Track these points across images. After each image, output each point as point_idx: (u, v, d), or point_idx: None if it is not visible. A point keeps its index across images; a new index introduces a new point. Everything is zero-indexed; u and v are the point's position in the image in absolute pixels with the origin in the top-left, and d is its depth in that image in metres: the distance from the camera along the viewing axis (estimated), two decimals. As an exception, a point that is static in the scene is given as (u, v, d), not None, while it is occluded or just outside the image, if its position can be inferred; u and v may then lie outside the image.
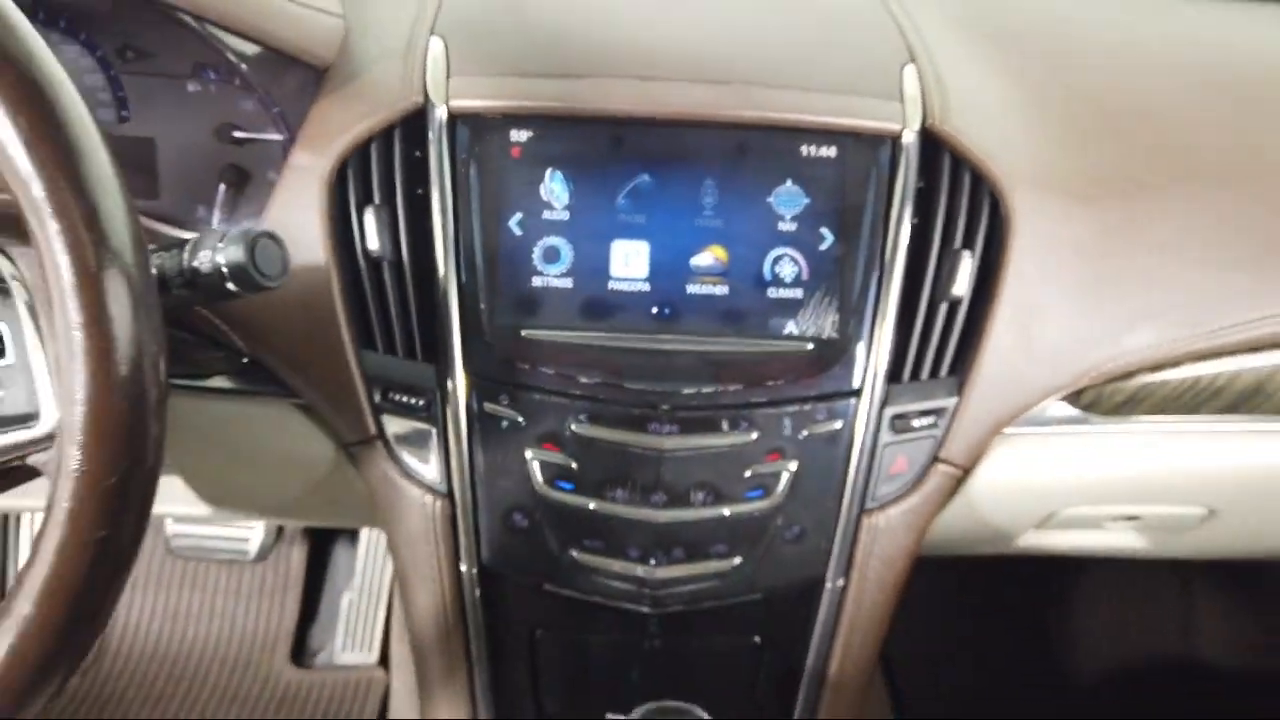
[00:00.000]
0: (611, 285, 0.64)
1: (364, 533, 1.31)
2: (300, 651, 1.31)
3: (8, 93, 0.39)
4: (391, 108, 0.63)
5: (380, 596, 1.30)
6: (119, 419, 0.40)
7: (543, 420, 0.63)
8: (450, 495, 0.64)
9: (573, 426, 0.63)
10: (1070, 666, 1.27)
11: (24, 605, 0.41)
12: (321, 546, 1.35)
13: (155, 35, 0.69)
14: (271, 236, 0.51)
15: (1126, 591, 1.28)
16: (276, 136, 0.70)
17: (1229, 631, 1.25)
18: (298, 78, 0.68)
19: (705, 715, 0.62)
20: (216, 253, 0.49)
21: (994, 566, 1.20)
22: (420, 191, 0.63)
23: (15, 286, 0.42)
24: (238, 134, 0.70)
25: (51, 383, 0.41)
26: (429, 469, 0.64)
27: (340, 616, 1.31)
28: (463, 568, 0.66)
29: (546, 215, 0.64)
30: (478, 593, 0.66)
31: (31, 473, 0.45)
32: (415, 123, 0.63)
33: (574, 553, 0.64)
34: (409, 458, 0.64)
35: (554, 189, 0.64)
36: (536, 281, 0.64)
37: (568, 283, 0.64)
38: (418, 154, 0.64)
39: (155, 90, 0.70)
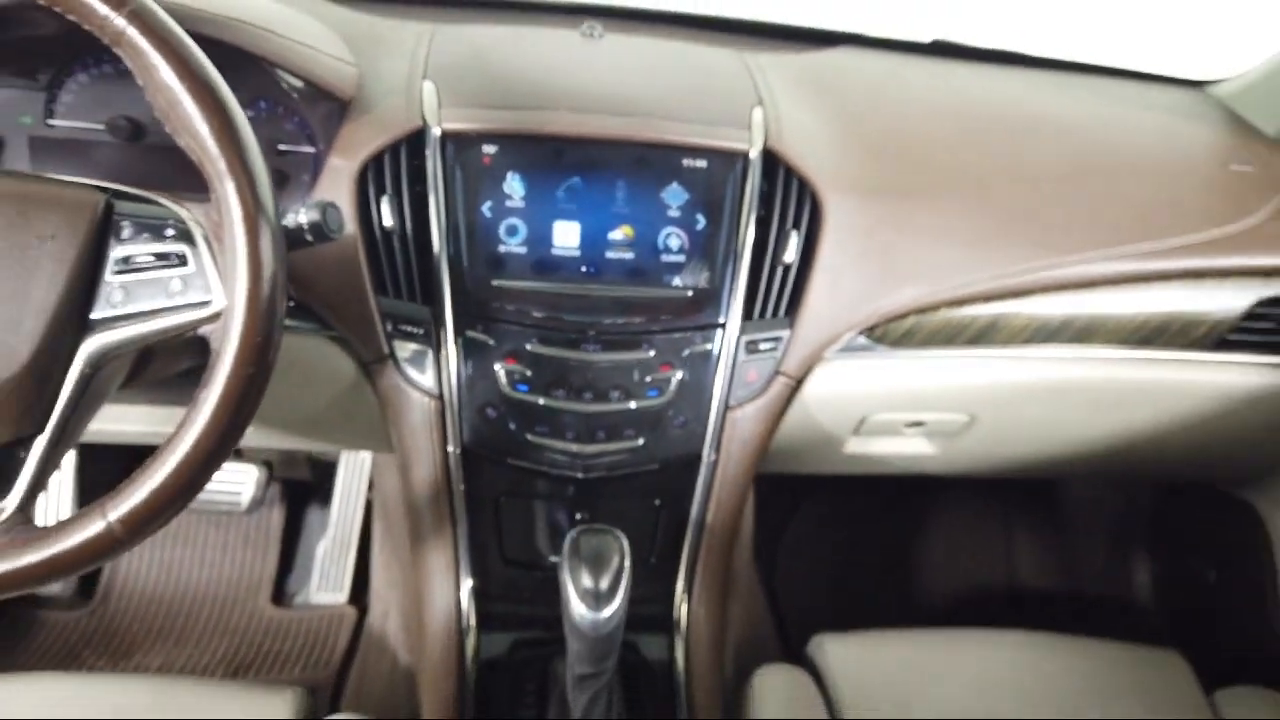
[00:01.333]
0: (553, 251, 0.92)
1: (336, 490, 1.55)
2: (280, 594, 1.53)
3: (205, 105, 0.65)
4: (399, 129, 0.91)
5: (350, 545, 1.53)
6: (263, 302, 0.66)
7: (507, 342, 0.91)
8: (441, 397, 0.91)
9: (528, 346, 0.91)
10: (916, 583, 1.59)
11: (205, 411, 0.66)
12: (297, 504, 1.58)
13: (229, 75, 0.95)
14: (334, 205, 0.78)
15: (958, 520, 1.61)
16: (310, 149, 0.98)
17: (1036, 549, 1.59)
18: (327, 108, 0.96)
19: (621, 534, 0.87)
20: (299, 214, 0.76)
21: (857, 503, 1.52)
22: (419, 187, 0.91)
23: (194, 227, 0.68)
24: (281, 147, 0.97)
25: (219, 282, 0.66)
26: (426, 378, 0.91)
27: (315, 563, 1.54)
28: (450, 449, 0.92)
29: (508, 204, 0.92)
30: (461, 469, 0.93)
31: (201, 345, 0.70)
32: (415, 140, 0.91)
33: (528, 435, 0.92)
34: (411, 371, 0.91)
35: (513, 186, 0.92)
36: (501, 249, 0.92)
37: (524, 250, 0.92)
38: (416, 161, 0.91)
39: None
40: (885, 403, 1.03)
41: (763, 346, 0.94)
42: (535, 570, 0.96)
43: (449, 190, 0.90)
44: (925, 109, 1.07)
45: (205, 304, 0.67)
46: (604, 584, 0.78)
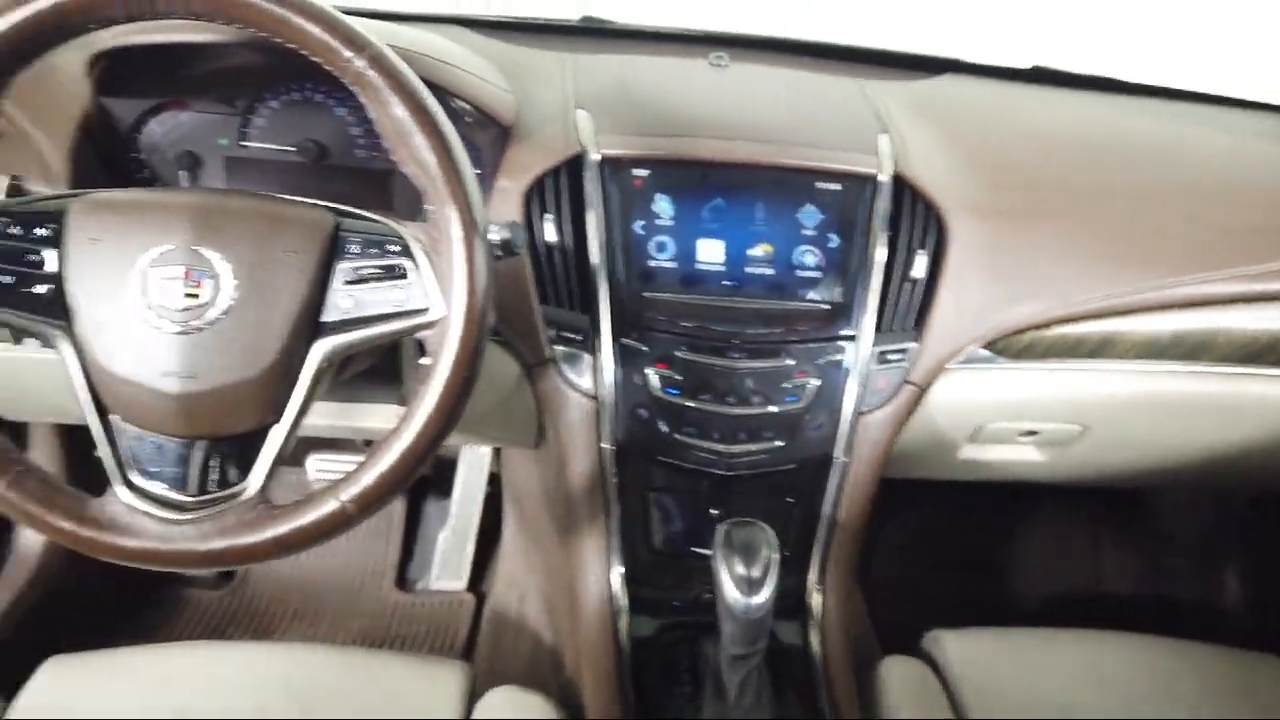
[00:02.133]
0: (699, 266, 1.00)
1: (457, 483, 1.64)
2: (402, 580, 1.63)
3: (432, 138, 0.74)
4: (560, 154, 1.00)
5: (469, 535, 1.63)
6: (477, 312, 0.75)
7: (658, 349, 0.99)
8: (597, 398, 1.00)
9: (677, 353, 0.99)
10: (1004, 587, 1.64)
11: (426, 407, 0.75)
12: (418, 496, 1.69)
13: None
14: (519, 224, 0.86)
15: (1047, 527, 1.66)
16: (476, 171, 1.07)
17: (1125, 557, 1.63)
18: (492, 133, 1.05)
19: (768, 528, 0.94)
20: (493, 233, 0.85)
21: (952, 510, 1.57)
22: (577, 206, 1.00)
23: (413, 243, 0.77)
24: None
25: (438, 292, 0.75)
26: (584, 381, 1.00)
27: (436, 551, 1.64)
28: (604, 445, 1.01)
29: (658, 222, 1.00)
30: (614, 464, 1.01)
31: (390, 349, 0.79)
32: (574, 164, 1.00)
33: (677, 435, 1.00)
34: (570, 373, 1.00)
35: (663, 206, 1.01)
36: (651, 263, 1.00)
37: (672, 264, 1.00)
38: (574, 183, 1.00)
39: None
40: (1002, 412, 1.09)
41: (891, 357, 1.01)
42: (680, 558, 1.04)
43: (605, 210, 0.99)
44: (1033, 133, 1.14)
45: (424, 312, 0.76)
46: (755, 572, 0.86)
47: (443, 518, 1.66)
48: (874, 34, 1.67)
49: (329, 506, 0.75)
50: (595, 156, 0.99)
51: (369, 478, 0.75)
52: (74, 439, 1.37)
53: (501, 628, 1.40)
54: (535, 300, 0.99)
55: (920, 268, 1.01)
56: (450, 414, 0.75)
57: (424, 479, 1.69)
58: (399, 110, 0.73)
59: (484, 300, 0.75)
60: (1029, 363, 1.05)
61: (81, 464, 1.39)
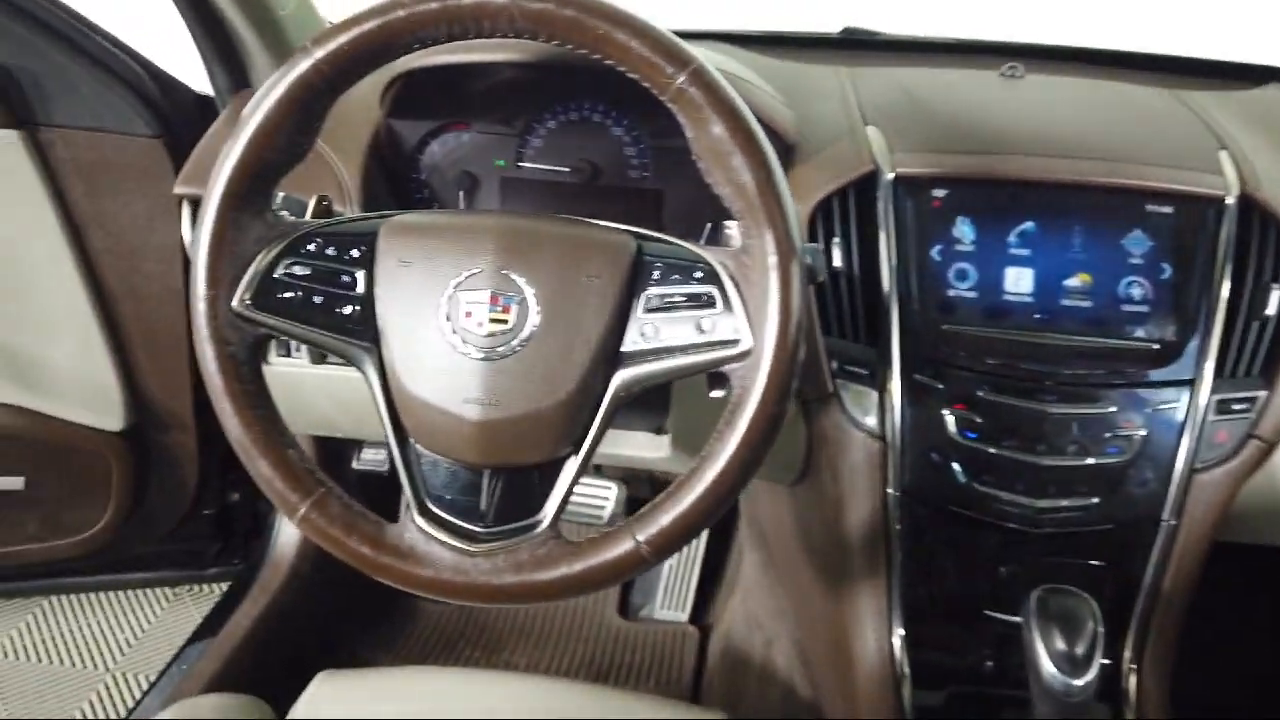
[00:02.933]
0: (1005, 297, 0.90)
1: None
2: (625, 606, 1.60)
3: (752, 159, 0.68)
4: (849, 173, 0.92)
5: (695, 566, 1.58)
6: (790, 345, 0.69)
7: (956, 387, 0.89)
8: (884, 438, 0.91)
9: (979, 393, 0.89)
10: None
11: (730, 445, 0.69)
12: None
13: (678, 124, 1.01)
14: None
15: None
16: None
17: None
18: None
19: (1090, 598, 0.83)
20: None
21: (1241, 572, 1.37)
22: (867, 229, 0.92)
23: (720, 270, 0.72)
24: (721, 189, 1.01)
25: (746, 322, 0.70)
26: (869, 419, 0.92)
27: (660, 581, 1.60)
28: (889, 491, 0.92)
29: (958, 248, 0.91)
30: (899, 511, 0.93)
31: (721, 378, 0.75)
32: (865, 184, 0.92)
33: (975, 485, 0.89)
34: (854, 410, 0.92)
35: (963, 230, 0.91)
36: (951, 293, 0.91)
37: (974, 294, 0.91)
38: (863, 205, 0.92)
39: (670, 158, 1.02)
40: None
41: (1236, 407, 0.87)
42: (971, 623, 0.94)
43: (899, 233, 0.91)
44: None
45: (732, 344, 0.70)
46: (1079, 648, 0.75)
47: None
48: (1159, 40, 1.50)
49: (624, 546, 0.71)
50: (889, 175, 0.91)
51: (668, 518, 0.70)
52: (327, 450, 1.41)
53: (742, 670, 1.33)
54: (818, 329, 0.92)
55: (1273, 304, 0.86)
56: (756, 453, 0.69)
57: (641, 503, 1.65)
58: (718, 129, 0.68)
59: (797, 333, 0.69)
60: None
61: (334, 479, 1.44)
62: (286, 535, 1.47)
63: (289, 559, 1.45)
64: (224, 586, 1.65)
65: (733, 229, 0.78)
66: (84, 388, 1.31)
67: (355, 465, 1.38)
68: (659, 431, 1.09)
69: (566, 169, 1.03)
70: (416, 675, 0.95)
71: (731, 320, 0.70)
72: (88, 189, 1.24)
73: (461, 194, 1.04)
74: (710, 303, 0.71)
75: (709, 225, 1.01)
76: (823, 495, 0.98)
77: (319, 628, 1.48)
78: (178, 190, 0.99)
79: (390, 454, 0.76)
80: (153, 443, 1.39)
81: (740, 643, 1.39)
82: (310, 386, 1.06)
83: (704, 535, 1.58)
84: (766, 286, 0.69)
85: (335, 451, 1.41)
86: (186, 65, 1.31)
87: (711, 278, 0.71)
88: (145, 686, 1.51)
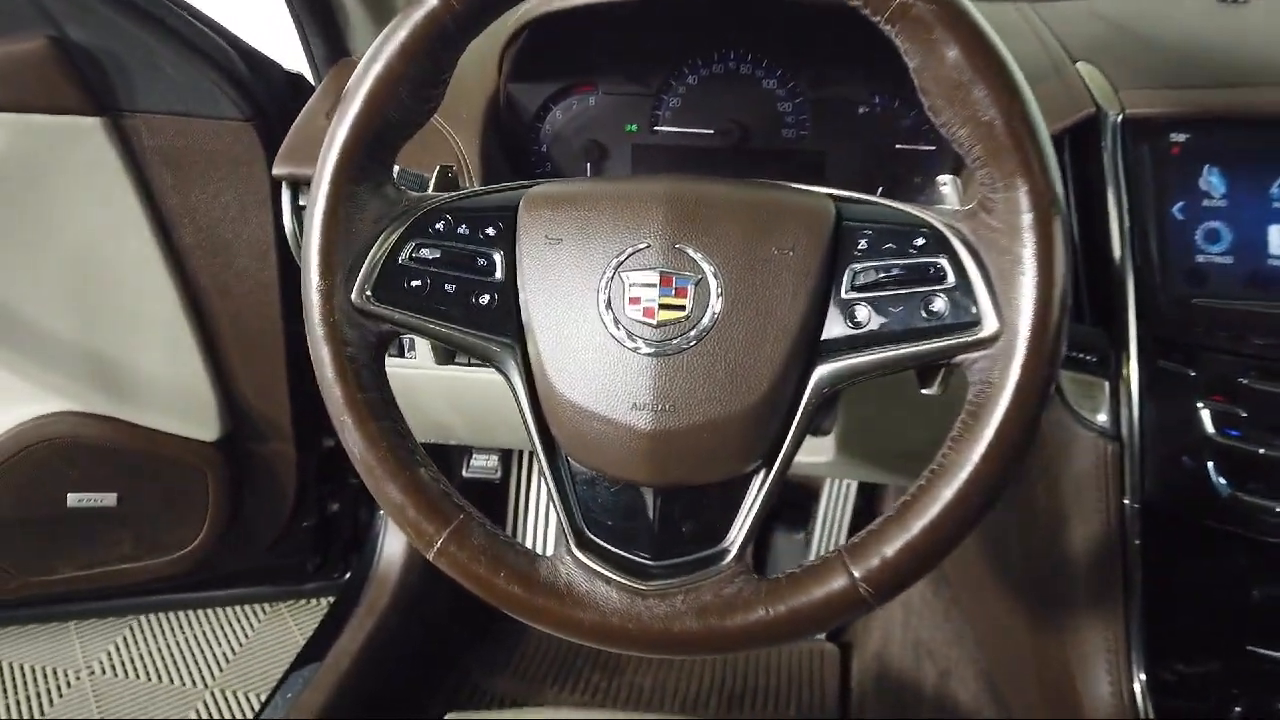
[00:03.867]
0: (1271, 262, 0.73)
1: (817, 516, 1.44)
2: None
3: (1000, 90, 0.53)
4: (1064, 118, 0.76)
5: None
6: (1052, 329, 0.54)
7: (1212, 374, 0.73)
8: (1119, 438, 0.75)
9: (1242, 380, 0.72)
10: None
11: (973, 457, 0.55)
12: (767, 531, 1.50)
13: (843, 71, 0.86)
14: None
15: None
16: (928, 148, 0.86)
17: None
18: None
19: None
20: None
21: None
22: (1086, 185, 0.76)
23: (951, 235, 0.57)
24: (899, 146, 0.86)
25: (990, 300, 0.55)
26: (1099, 415, 0.76)
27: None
28: (1126, 502, 0.76)
29: (1205, 204, 0.74)
30: (1138, 527, 0.76)
31: (933, 371, 0.60)
32: (1083, 129, 0.76)
33: (1238, 493, 0.73)
34: (1080, 405, 0.76)
35: (1211, 182, 0.74)
36: (1200, 259, 0.74)
37: (1229, 260, 0.74)
38: (1084, 155, 0.76)
39: (832, 112, 0.87)
40: None
41: None
42: (1232, 661, 0.77)
43: (1132, 188, 0.74)
44: None
45: (972, 327, 0.55)
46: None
47: (795, 555, 1.46)
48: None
49: (836, 583, 0.57)
50: (1115, 117, 0.75)
51: (893, 549, 0.56)
52: (445, 462, 1.30)
53: (909, 702, 1.18)
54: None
55: None
56: (1006, 468, 0.55)
57: (775, 511, 1.50)
58: (954, 53, 0.53)
59: (1061, 311, 0.53)
60: None
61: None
62: (391, 547, 1.37)
63: (395, 573, 1.34)
64: (326, 601, 1.56)
65: (948, 185, 0.63)
66: (176, 395, 1.21)
67: (465, 473, 1.26)
68: (818, 432, 0.94)
69: (710, 131, 0.89)
70: (543, 716, 0.82)
71: (970, 298, 0.56)
72: (176, 179, 1.15)
73: (588, 165, 0.90)
74: (939, 277, 0.56)
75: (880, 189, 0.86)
76: (1033, 508, 0.82)
77: (429, 649, 1.37)
78: (277, 171, 0.87)
79: (541, 471, 0.63)
80: (248, 452, 1.30)
81: (903, 670, 1.23)
82: (426, 390, 0.94)
83: (842, 533, 1.43)
84: (1020, 252, 0.53)
85: (440, 458, 1.30)
86: (275, 40, 1.21)
87: (938, 245, 0.57)
88: (247, 704, 1.42)
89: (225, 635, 1.58)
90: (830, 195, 0.61)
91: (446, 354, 0.68)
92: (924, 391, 0.64)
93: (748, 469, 0.60)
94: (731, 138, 0.88)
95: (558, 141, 0.91)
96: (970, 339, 0.55)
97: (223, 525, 1.28)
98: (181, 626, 1.58)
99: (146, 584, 1.33)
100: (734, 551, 0.60)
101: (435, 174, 0.68)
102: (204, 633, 1.58)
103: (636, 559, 0.61)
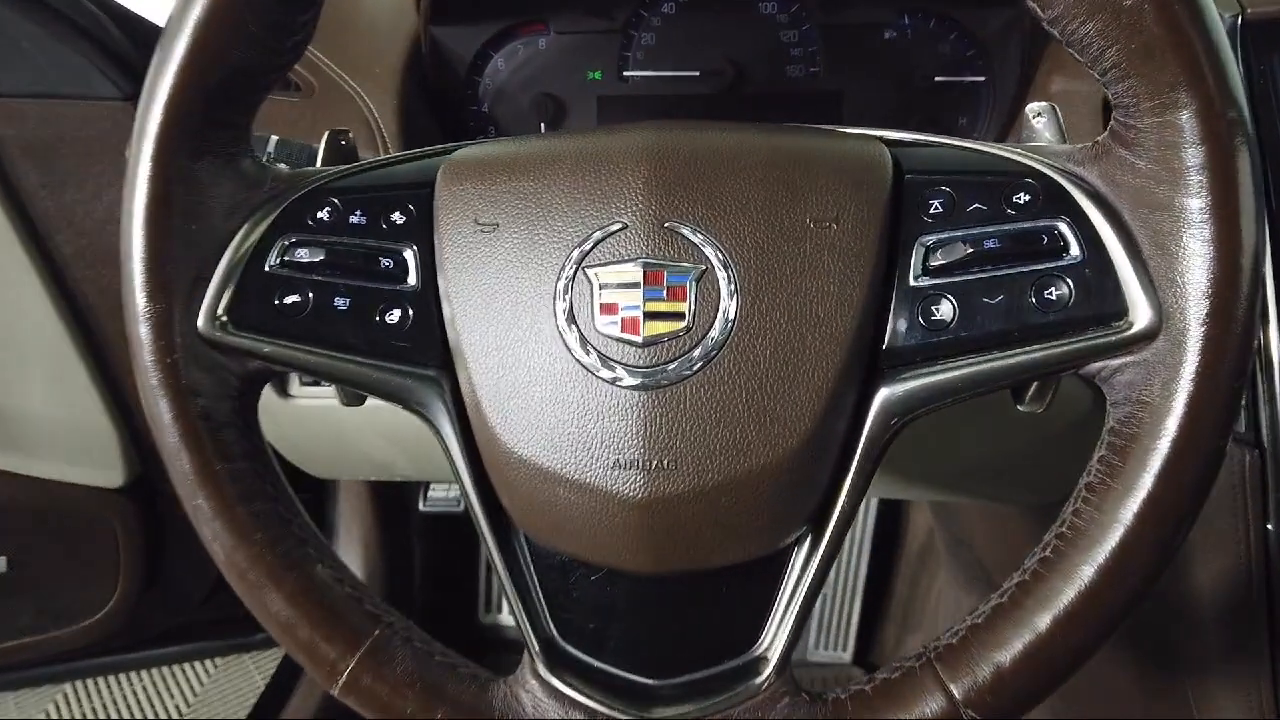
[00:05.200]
0: None
1: (856, 536, 1.26)
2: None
3: None
4: None
5: (855, 592, 1.25)
6: (1243, 312, 0.36)
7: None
8: (1260, 446, 0.57)
9: None
10: None
11: (1125, 517, 0.37)
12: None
13: None
14: None
15: None
16: (977, 79, 0.67)
17: None
18: (1004, 16, 0.65)
19: None
20: None
21: None
22: None
23: (1074, 188, 0.38)
24: (938, 79, 0.67)
25: (1140, 281, 0.37)
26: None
27: (812, 616, 1.27)
28: (1269, 527, 0.58)
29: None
30: None
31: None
32: None
33: None
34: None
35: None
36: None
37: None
38: None
39: (849, 40, 0.68)
40: None
41: None
42: None
43: (1257, 108, 0.56)
44: None
45: (1114, 320, 0.37)
46: None
47: (825, 579, 1.28)
48: None
49: (929, 705, 0.39)
50: (1231, 18, 0.56)
51: (1008, 655, 0.38)
52: (384, 500, 1.11)
53: None
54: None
55: None
56: (1179, 528, 0.37)
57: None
58: None
59: (1253, 291, 0.35)
60: None
61: (397, 528, 1.13)
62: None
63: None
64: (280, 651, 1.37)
65: (1043, 116, 0.44)
66: (69, 435, 1.02)
67: (423, 506, 1.07)
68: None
69: (695, 73, 0.70)
70: None
71: (1108, 277, 0.38)
72: (45, 177, 0.94)
73: (542, 126, 0.71)
74: (1056, 248, 0.39)
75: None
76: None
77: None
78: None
79: (488, 557, 0.45)
80: (165, 495, 1.10)
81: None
82: (353, 422, 0.75)
83: (863, 554, 1.25)
84: (1186, 205, 0.36)
85: (393, 497, 1.11)
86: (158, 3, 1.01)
87: (1052, 202, 0.39)
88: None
89: (173, 692, 1.39)
90: (881, 138, 0.42)
91: (353, 395, 0.49)
92: (1020, 408, 0.46)
93: (785, 542, 0.42)
94: (723, 80, 0.69)
95: (501, 98, 0.72)
96: (1111, 339, 0.38)
97: (140, 583, 1.09)
98: (120, 687, 1.39)
99: (56, 657, 1.13)
100: (772, 662, 0.42)
101: (323, 143, 0.49)
102: (148, 692, 1.39)
103: (633, 679, 0.43)
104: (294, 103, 0.66)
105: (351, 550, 1.13)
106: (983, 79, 0.66)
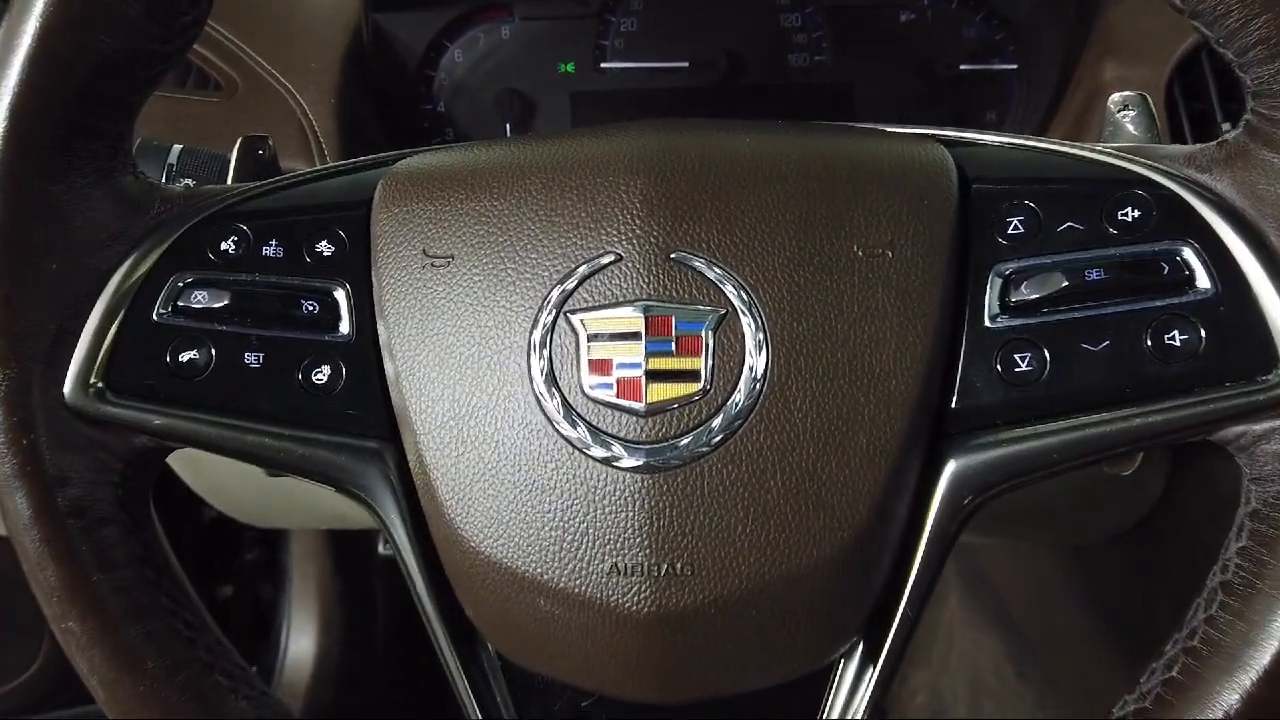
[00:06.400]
0: None
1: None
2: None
3: None
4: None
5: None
6: None
7: None
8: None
9: None
10: None
11: (1271, 636, 0.29)
12: None
13: None
14: None
15: None
16: (1007, 66, 0.59)
17: None
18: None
19: None
20: None
21: None
22: None
23: (1197, 198, 0.30)
24: (964, 67, 0.59)
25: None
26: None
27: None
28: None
29: None
30: None
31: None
32: None
33: None
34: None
35: None
36: None
37: None
38: None
39: (859, 24, 0.60)
40: None
41: None
42: None
43: None
44: None
45: (1260, 374, 0.29)
46: None
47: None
48: None
49: None
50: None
51: None
52: (341, 543, 1.01)
53: None
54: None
55: None
56: None
57: None
58: None
59: None
60: None
61: (356, 572, 1.03)
62: (299, 644, 1.07)
63: (304, 678, 1.05)
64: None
65: (1133, 111, 0.36)
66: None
67: (383, 550, 0.98)
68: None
69: (684, 64, 0.61)
70: None
71: (1249, 316, 0.29)
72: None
73: (508, 128, 0.62)
74: (1180, 280, 0.30)
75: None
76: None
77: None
78: None
79: (450, 678, 0.35)
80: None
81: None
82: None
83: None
84: None
85: (351, 538, 1.01)
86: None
87: (1171, 218, 0.30)
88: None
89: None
90: (937, 138, 0.34)
91: (271, 472, 0.39)
92: (1110, 471, 0.37)
93: (832, 655, 0.33)
94: (715, 72, 0.60)
95: (459, 96, 0.62)
96: (1256, 397, 0.29)
97: (69, 641, 0.98)
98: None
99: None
100: None
101: (235, 152, 0.39)
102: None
103: None
104: (212, 103, 0.56)
105: (308, 598, 1.03)
106: (1014, 67, 0.58)
